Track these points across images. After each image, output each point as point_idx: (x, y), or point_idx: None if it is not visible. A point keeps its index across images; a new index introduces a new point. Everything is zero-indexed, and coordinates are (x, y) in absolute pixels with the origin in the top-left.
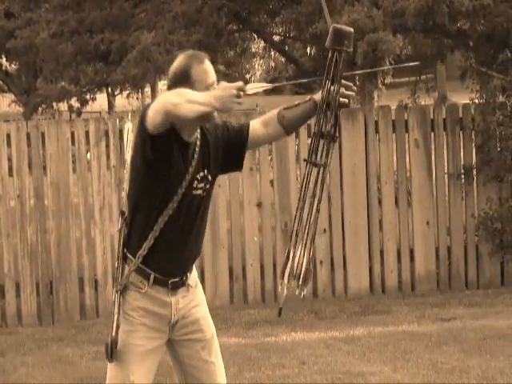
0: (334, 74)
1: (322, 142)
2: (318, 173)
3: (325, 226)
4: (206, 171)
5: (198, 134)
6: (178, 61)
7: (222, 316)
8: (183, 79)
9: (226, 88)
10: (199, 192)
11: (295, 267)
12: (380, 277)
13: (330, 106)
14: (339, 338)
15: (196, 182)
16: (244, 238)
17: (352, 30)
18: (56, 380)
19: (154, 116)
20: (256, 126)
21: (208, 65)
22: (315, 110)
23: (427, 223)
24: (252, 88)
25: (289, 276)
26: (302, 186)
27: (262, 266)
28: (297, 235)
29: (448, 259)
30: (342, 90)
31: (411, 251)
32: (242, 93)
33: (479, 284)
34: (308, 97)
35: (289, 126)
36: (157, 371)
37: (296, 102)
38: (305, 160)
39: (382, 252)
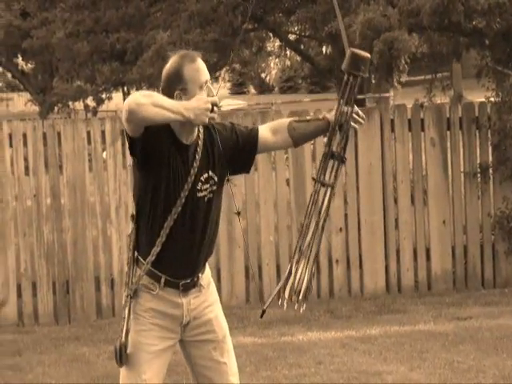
0: (349, 98)
1: (331, 162)
2: (325, 193)
3: (341, 225)
4: (210, 172)
5: (200, 134)
6: (170, 62)
7: (239, 315)
8: (176, 79)
9: (201, 100)
10: (204, 194)
11: (296, 283)
12: (396, 276)
13: (342, 127)
14: (355, 338)
15: (200, 183)
16: (260, 237)
17: (369, 55)
18: (72, 379)
19: (123, 115)
20: (265, 132)
21: (200, 64)
22: (327, 130)
23: (443, 222)
24: (226, 104)
25: (290, 291)
26: (308, 204)
27: (277, 266)
28: (300, 251)
29: (464, 258)
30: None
31: (427, 250)
32: (216, 108)
33: (496, 283)
34: (321, 115)
35: (298, 139)
36: (173, 370)
37: (308, 117)
38: (313, 179)
39: (398, 251)
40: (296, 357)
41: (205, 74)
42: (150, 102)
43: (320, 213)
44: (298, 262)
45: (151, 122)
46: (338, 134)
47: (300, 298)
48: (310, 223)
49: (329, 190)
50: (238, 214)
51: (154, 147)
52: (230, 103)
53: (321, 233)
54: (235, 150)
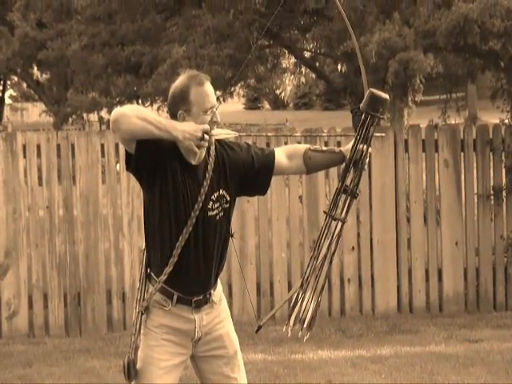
0: (365, 136)
1: (343, 197)
2: (336, 227)
3: (353, 243)
4: (221, 190)
5: (212, 152)
6: (179, 80)
7: (249, 332)
8: (181, 99)
9: (192, 126)
10: (215, 212)
11: (302, 311)
12: (408, 296)
13: (357, 164)
14: (366, 357)
15: (211, 202)
16: (272, 253)
17: (388, 97)
18: None
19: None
20: (281, 156)
21: (208, 88)
22: (340, 163)
23: (456, 243)
24: (217, 134)
25: (295, 319)
26: (318, 237)
27: (289, 283)
28: (308, 281)
29: (476, 280)
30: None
31: (439, 271)
32: (206, 136)
33: (507, 306)
34: (338, 149)
35: (312, 168)
36: None
37: (324, 148)
38: (324, 212)
39: (410, 271)
40: (306, 375)
41: (211, 99)
42: (134, 114)
43: (330, 246)
44: (304, 292)
45: (134, 135)
46: (352, 171)
47: (304, 326)
48: (319, 255)
49: (339, 224)
50: (232, 236)
51: (151, 166)
52: (221, 132)
53: (329, 266)
54: (250, 172)
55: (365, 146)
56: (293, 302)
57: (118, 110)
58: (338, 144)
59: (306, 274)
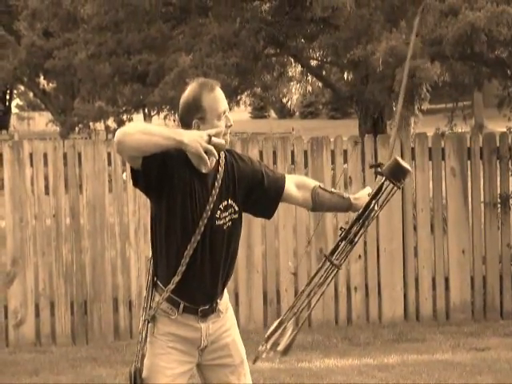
0: (380, 199)
1: (343, 243)
2: (331, 271)
3: (360, 252)
4: (230, 200)
5: (221, 161)
6: (189, 90)
7: (256, 340)
8: (194, 108)
9: (198, 131)
10: (223, 222)
11: (280, 337)
12: (414, 304)
13: (366, 221)
14: (373, 365)
15: (219, 212)
16: (279, 262)
17: (410, 169)
18: None
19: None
20: (291, 184)
21: (219, 93)
22: (345, 210)
23: (463, 251)
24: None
25: (272, 344)
26: (313, 275)
27: (296, 291)
28: (293, 312)
29: (483, 288)
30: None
31: (446, 279)
32: (213, 139)
33: None
34: (346, 195)
35: (317, 206)
36: None
37: (333, 190)
38: (325, 255)
39: (416, 279)
40: (313, 383)
41: (223, 103)
42: (137, 131)
43: (322, 286)
44: (289, 321)
45: (141, 150)
46: (359, 224)
47: (278, 349)
48: (310, 292)
49: (335, 270)
50: (294, 274)
51: (159, 177)
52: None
53: (315, 303)
54: (259, 187)
55: (376, 208)
56: (275, 326)
57: (119, 132)
58: (345, 152)
59: (294, 306)
